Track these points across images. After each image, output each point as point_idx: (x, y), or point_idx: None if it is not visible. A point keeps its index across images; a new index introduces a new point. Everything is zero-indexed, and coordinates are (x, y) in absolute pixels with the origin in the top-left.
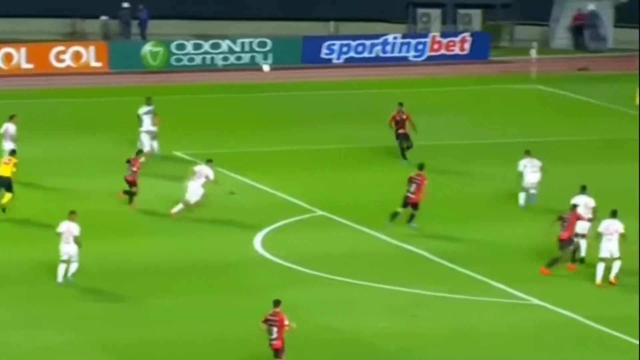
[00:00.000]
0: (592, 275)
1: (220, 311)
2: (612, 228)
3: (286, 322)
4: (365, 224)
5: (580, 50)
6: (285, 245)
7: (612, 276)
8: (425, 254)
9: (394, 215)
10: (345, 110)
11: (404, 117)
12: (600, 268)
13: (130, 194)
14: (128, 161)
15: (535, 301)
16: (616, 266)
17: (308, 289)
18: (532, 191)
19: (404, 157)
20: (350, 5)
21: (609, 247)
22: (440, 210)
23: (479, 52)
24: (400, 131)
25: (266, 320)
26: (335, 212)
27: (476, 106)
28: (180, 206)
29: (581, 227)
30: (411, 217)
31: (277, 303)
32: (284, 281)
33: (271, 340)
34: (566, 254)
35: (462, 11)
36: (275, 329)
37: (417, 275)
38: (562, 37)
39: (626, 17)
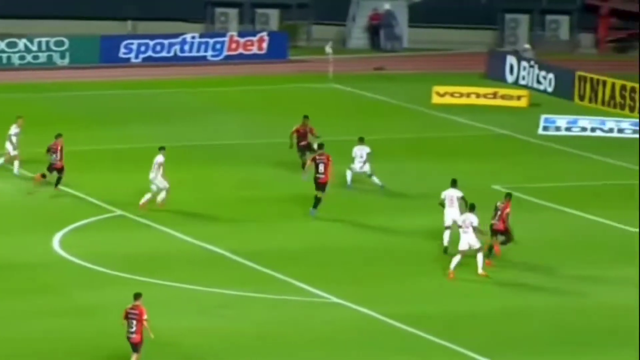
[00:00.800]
0: (395, 274)
1: (21, 312)
2: (467, 221)
3: (145, 317)
4: (165, 224)
5: (376, 50)
6: (84, 245)
7: (480, 270)
8: (227, 254)
9: (317, 201)
10: (144, 110)
11: (307, 129)
12: (456, 260)
13: (59, 179)
14: (48, 150)
15: (335, 299)
16: (480, 259)
17: (109, 290)
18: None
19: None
20: (148, 5)
21: (467, 239)
22: (240, 210)
23: (277, 51)
24: (302, 143)
25: (127, 314)
26: (134, 211)
27: (274, 105)
28: (148, 196)
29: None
30: (316, 203)
31: (137, 296)
32: (85, 281)
33: (130, 333)
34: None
35: (259, 11)
36: (135, 322)
37: (220, 275)
38: (358, 36)
39: (419, 16)
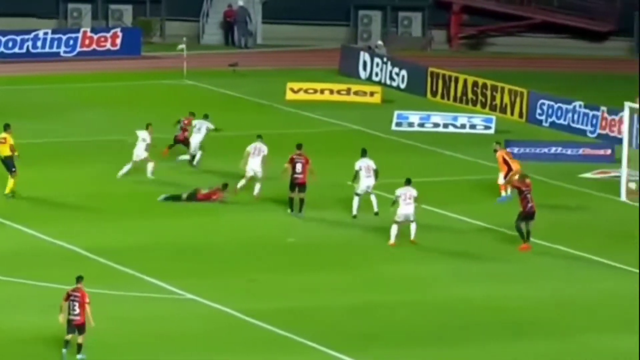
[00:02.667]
0: (248, 269)
1: None
2: (409, 194)
3: (87, 300)
4: (19, 221)
5: (230, 46)
6: None
7: (412, 237)
8: (81, 251)
9: (291, 202)
10: None
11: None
12: (394, 230)
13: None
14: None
15: (189, 295)
16: (413, 228)
17: None
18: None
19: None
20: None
21: (406, 210)
22: (94, 207)
23: (131, 47)
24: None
25: (68, 297)
26: None
27: (128, 102)
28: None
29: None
30: (301, 205)
31: (79, 279)
32: None
33: (73, 315)
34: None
35: (113, 6)
36: (77, 305)
37: (74, 272)
38: (213, 33)
39: (273, 13)
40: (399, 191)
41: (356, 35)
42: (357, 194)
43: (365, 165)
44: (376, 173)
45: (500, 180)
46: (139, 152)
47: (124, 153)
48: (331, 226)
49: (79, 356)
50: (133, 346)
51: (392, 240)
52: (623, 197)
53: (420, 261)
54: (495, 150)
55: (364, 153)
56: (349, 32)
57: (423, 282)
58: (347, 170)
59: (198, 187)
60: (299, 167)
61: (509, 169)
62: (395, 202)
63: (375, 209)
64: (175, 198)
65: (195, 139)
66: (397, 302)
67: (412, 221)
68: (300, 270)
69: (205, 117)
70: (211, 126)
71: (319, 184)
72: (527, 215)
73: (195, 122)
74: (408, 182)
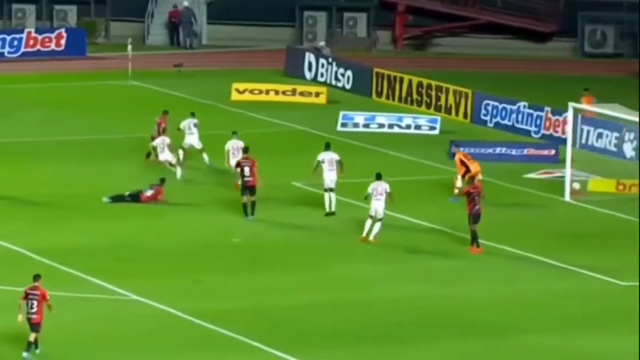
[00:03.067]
0: (194, 270)
1: None
2: (381, 188)
3: (47, 297)
4: None
5: (175, 47)
6: None
7: (372, 237)
8: (25, 251)
9: (245, 207)
10: None
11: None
12: (368, 224)
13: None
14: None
15: (134, 296)
16: (377, 227)
17: None
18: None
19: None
20: None
21: (376, 206)
22: (40, 207)
23: (75, 48)
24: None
25: (26, 295)
26: None
27: (74, 102)
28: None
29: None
30: (252, 208)
31: (36, 277)
32: None
33: (31, 314)
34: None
35: (57, 7)
36: (35, 303)
37: (18, 273)
38: (158, 33)
39: (218, 13)
40: (371, 186)
41: (301, 36)
42: (325, 190)
43: (328, 158)
44: (341, 164)
45: (459, 182)
46: (167, 157)
47: (70, 155)
48: (276, 226)
49: (24, 354)
50: (77, 347)
51: (364, 234)
52: (567, 197)
53: (366, 261)
54: (454, 154)
55: (327, 147)
56: (294, 33)
57: (368, 282)
58: (292, 171)
59: (141, 188)
60: (246, 170)
61: (467, 170)
62: (367, 197)
63: (327, 209)
64: (119, 198)
65: (192, 140)
66: (342, 302)
67: (378, 220)
68: (246, 271)
69: (192, 115)
70: (197, 121)
71: (264, 184)
72: (472, 217)
73: (182, 124)
74: (378, 176)
